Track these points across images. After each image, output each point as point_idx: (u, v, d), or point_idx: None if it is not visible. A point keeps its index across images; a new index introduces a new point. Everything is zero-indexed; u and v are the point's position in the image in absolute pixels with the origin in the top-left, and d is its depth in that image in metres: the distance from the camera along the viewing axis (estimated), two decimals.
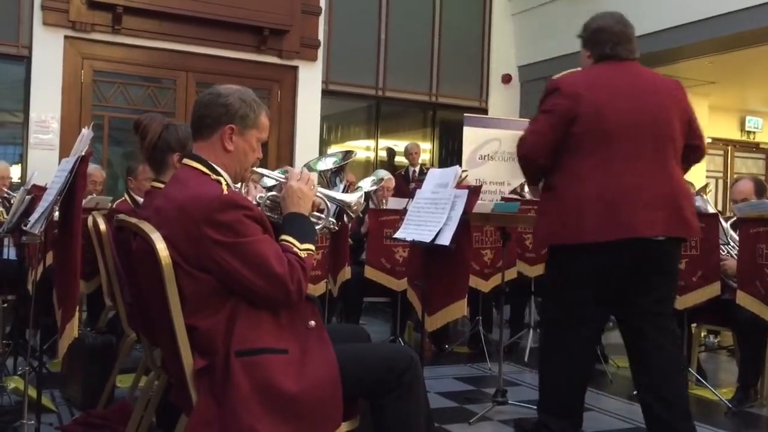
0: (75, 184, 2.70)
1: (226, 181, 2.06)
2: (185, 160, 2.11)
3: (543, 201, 2.99)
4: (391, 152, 9.35)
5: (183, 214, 1.93)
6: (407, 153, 8.09)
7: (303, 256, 2.00)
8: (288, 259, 1.95)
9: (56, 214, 2.93)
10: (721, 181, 11.32)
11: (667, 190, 2.78)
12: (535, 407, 3.08)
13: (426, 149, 9.28)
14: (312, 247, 2.06)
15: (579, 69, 3.00)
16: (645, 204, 2.73)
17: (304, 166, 5.62)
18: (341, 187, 4.37)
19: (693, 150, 2.96)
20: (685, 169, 2.98)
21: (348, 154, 5.45)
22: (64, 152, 6.75)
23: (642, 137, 2.77)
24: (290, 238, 2.02)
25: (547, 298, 3.17)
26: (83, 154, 2.68)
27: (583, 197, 2.73)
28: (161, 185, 2.60)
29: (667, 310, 2.96)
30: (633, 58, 2.90)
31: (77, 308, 2.90)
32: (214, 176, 2.05)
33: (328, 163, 5.34)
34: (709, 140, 10.51)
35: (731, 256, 4.16)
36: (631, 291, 2.85)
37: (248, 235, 1.91)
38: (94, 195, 5.04)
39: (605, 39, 2.87)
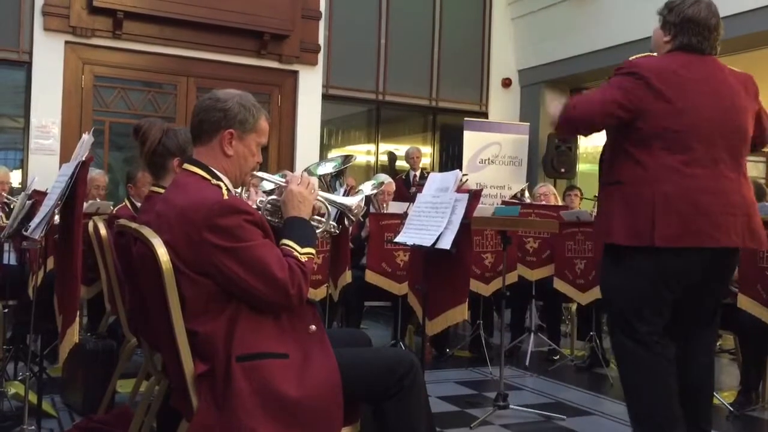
0: (76, 189, 2.70)
1: (226, 185, 2.06)
2: (185, 165, 2.11)
3: (608, 195, 2.74)
4: (392, 156, 9.36)
5: (183, 219, 1.93)
6: (408, 157, 8.09)
7: (303, 260, 2.00)
8: (288, 264, 1.95)
9: (57, 219, 2.93)
10: None
11: (740, 198, 2.64)
12: (536, 411, 3.03)
13: (426, 153, 9.28)
14: (312, 250, 2.06)
15: (654, 54, 2.80)
16: (722, 212, 2.58)
17: (305, 170, 5.63)
18: (341, 191, 4.38)
19: (753, 143, 2.80)
20: None
21: (348, 158, 5.46)
22: (64, 157, 6.76)
23: (720, 140, 2.62)
24: (291, 243, 2.02)
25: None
26: (84, 159, 2.68)
27: (658, 198, 2.56)
28: (161, 190, 2.60)
29: (716, 320, 2.86)
30: (714, 53, 2.74)
31: (78, 313, 2.90)
32: (214, 181, 2.05)
33: (328, 168, 5.35)
34: None
35: None
36: (691, 299, 2.71)
37: (248, 239, 1.91)
38: (97, 200, 5.04)
39: (695, 31, 2.67)
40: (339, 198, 2.50)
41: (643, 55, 2.79)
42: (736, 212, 2.61)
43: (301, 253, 2.01)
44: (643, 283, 2.63)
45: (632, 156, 2.64)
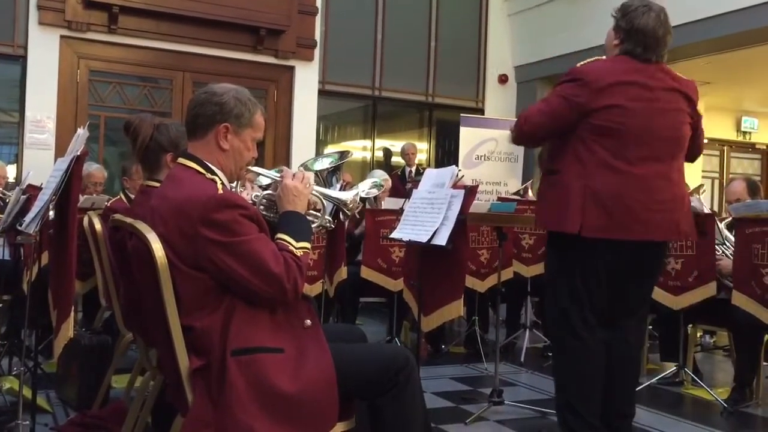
0: (70, 183, 2.69)
1: (221, 180, 2.06)
2: (180, 160, 2.11)
3: (546, 184, 2.94)
4: (388, 152, 9.35)
5: (179, 214, 1.93)
6: (404, 153, 8.08)
7: (299, 254, 2.00)
8: (284, 258, 1.95)
9: (51, 213, 2.92)
10: (717, 182, 11.35)
11: (669, 196, 2.80)
12: (531, 407, 3.09)
13: (422, 149, 9.28)
14: (308, 245, 2.06)
15: (603, 58, 2.94)
16: (646, 208, 2.74)
17: (301, 165, 5.64)
18: (338, 186, 4.38)
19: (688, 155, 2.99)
20: None
21: (344, 154, 5.45)
22: (59, 152, 6.73)
23: (655, 142, 2.77)
24: (286, 237, 2.02)
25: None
26: (78, 153, 2.67)
27: (588, 191, 2.72)
28: (156, 184, 2.59)
29: (642, 311, 3.03)
30: (660, 61, 2.86)
31: (72, 308, 2.89)
32: (209, 175, 2.05)
33: (324, 163, 5.34)
34: (706, 140, 10.51)
35: (726, 256, 4.17)
36: (619, 290, 2.86)
37: (244, 234, 1.91)
38: (94, 195, 5.02)
39: (642, 41, 2.81)
40: (334, 193, 2.50)
41: (589, 60, 2.91)
42: (662, 208, 2.77)
43: (296, 248, 2.01)
44: (576, 274, 2.81)
45: (571, 150, 2.79)
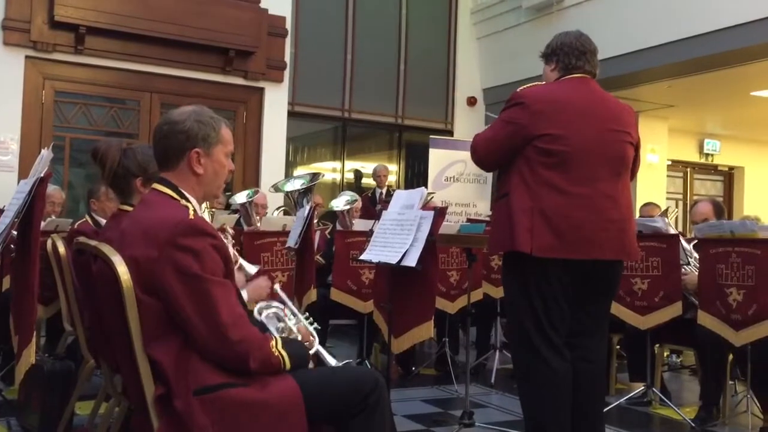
0: (33, 206, 2.65)
1: (193, 207, 2.04)
2: (154, 185, 2.09)
3: (496, 208, 2.99)
4: (358, 174, 9.37)
5: (146, 236, 1.90)
6: (375, 175, 8.10)
7: (274, 350, 1.95)
8: (248, 330, 1.91)
9: (14, 235, 2.87)
10: (681, 203, 11.55)
11: (617, 214, 2.83)
12: (501, 428, 3.07)
13: (392, 171, 9.32)
14: (287, 360, 1.98)
15: (543, 83, 3.03)
16: (597, 228, 2.77)
17: (272, 187, 5.62)
18: (308, 208, 4.37)
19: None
20: None
21: (315, 176, 5.46)
22: (23, 174, 6.61)
23: (599, 160, 2.82)
24: (279, 340, 2.01)
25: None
26: (42, 175, 2.63)
27: (536, 212, 2.75)
28: (129, 208, 2.57)
29: (602, 330, 3.04)
30: (594, 73, 2.97)
31: (35, 333, 2.83)
32: (182, 201, 2.03)
33: (296, 185, 5.34)
34: (669, 162, 10.73)
35: (692, 269, 4.23)
36: (577, 309, 2.88)
37: (207, 271, 1.87)
38: (53, 217, 4.93)
39: (573, 53, 2.92)
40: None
41: (529, 85, 2.98)
42: (611, 227, 2.81)
43: (277, 349, 1.97)
44: (534, 295, 2.81)
45: (519, 172, 2.82)
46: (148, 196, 2.09)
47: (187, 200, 2.04)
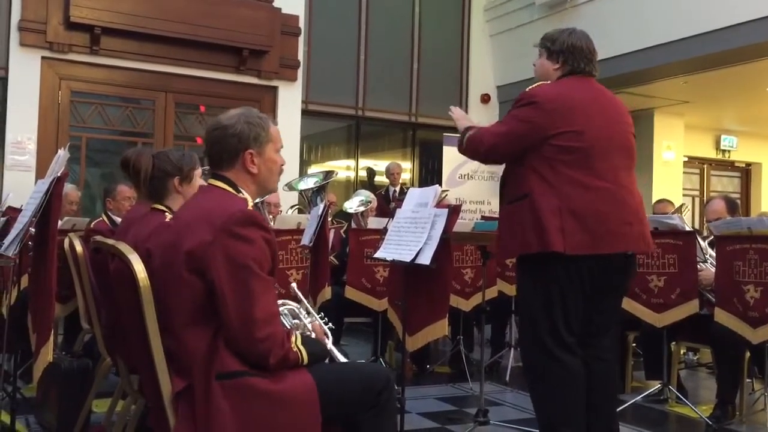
0: (50, 205, 2.67)
1: (249, 200, 2.10)
2: (211, 180, 2.14)
3: (516, 209, 2.87)
4: (372, 172, 9.37)
5: (204, 220, 1.95)
6: (388, 173, 8.09)
7: (293, 346, 1.99)
8: (276, 324, 1.96)
9: (32, 232, 2.89)
10: (697, 200, 11.46)
11: (635, 206, 2.85)
12: (516, 426, 3.06)
13: (406, 169, 9.31)
14: (305, 355, 2.03)
15: (548, 82, 3.02)
16: (621, 221, 2.77)
17: (286, 185, 5.64)
18: (321, 206, 4.37)
19: None
20: None
21: (329, 174, 5.47)
22: (40, 174, 6.67)
23: (615, 153, 2.83)
24: (299, 336, 2.05)
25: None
26: (59, 175, 2.65)
27: (565, 210, 2.73)
28: (163, 207, 2.63)
29: (613, 327, 3.03)
30: (596, 75, 3.00)
31: (52, 332, 2.86)
32: (240, 195, 2.09)
33: (309, 183, 5.35)
34: (685, 159, 10.65)
35: (708, 266, 4.20)
36: (593, 307, 2.86)
37: (254, 263, 1.91)
38: (71, 215, 4.97)
39: (581, 56, 2.93)
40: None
41: (536, 85, 2.98)
42: (632, 220, 2.81)
43: (296, 344, 2.01)
44: (555, 294, 2.78)
45: (537, 172, 2.80)
46: (207, 188, 2.14)
47: (243, 194, 2.10)
